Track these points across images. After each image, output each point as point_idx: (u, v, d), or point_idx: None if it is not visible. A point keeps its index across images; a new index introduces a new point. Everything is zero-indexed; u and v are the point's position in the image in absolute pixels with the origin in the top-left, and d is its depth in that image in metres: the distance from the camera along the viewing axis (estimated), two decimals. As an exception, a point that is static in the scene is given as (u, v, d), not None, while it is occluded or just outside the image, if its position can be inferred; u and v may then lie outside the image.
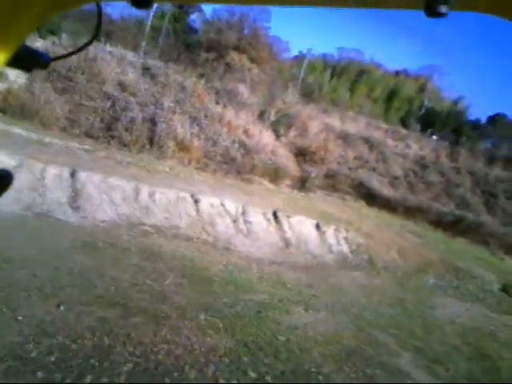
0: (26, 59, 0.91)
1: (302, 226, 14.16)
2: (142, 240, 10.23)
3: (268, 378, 5.29)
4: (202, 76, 22.66)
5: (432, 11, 0.71)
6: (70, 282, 6.75)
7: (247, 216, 13.40)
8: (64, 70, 17.52)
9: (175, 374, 4.96)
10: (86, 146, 15.35)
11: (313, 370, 5.89)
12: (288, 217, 14.58)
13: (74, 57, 18.08)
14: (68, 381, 4.40)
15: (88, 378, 4.48)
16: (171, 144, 17.30)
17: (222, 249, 11.62)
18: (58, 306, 5.85)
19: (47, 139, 14.59)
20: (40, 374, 4.37)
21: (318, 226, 14.31)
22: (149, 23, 28.72)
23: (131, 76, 19.41)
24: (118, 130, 16.54)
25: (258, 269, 10.52)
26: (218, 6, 28.41)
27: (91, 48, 18.89)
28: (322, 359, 6.26)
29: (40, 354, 4.70)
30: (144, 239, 10.37)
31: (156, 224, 11.53)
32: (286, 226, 13.70)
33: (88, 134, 16.20)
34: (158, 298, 7.00)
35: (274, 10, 30.18)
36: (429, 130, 31.84)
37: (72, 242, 8.80)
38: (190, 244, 11.16)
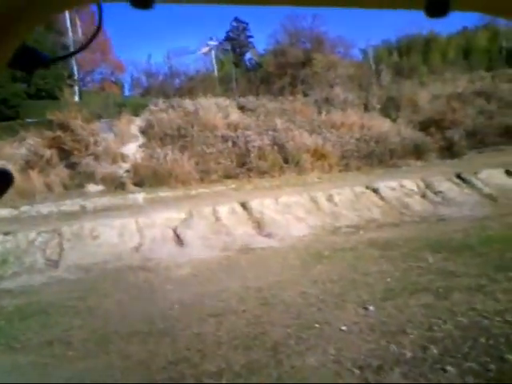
0: (26, 60, 0.86)
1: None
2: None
3: None
4: (293, 95, 21.92)
5: (432, 11, 0.71)
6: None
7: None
8: (174, 130, 17.19)
9: None
10: (232, 186, 14.52)
11: None
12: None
13: (178, 117, 17.80)
14: None
15: None
16: (307, 156, 16.18)
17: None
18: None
19: (193, 192, 13.91)
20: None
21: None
22: (216, 74, 29.07)
23: (235, 115, 18.88)
24: (252, 162, 15.64)
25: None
26: (267, 37, 28.03)
27: (188, 104, 18.62)
28: None
29: None
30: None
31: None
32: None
33: (227, 176, 15.43)
34: None
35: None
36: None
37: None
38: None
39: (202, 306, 5.86)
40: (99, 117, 17.70)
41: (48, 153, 15.78)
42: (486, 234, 8.40)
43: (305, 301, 5.64)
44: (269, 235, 9.99)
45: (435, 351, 4.02)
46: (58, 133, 15.84)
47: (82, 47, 1.12)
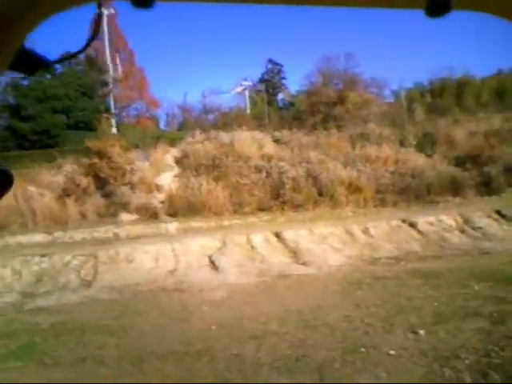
0: (26, 61, 0.84)
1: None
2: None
3: None
4: (327, 130, 21.96)
5: (433, 11, 0.70)
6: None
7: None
8: (209, 160, 17.31)
9: None
10: (265, 218, 14.39)
11: None
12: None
13: (213, 148, 17.97)
14: None
15: None
16: (341, 189, 15.95)
17: None
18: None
19: (225, 222, 13.82)
20: None
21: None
22: (248, 111, 29.53)
23: (269, 147, 18.94)
24: (286, 194, 15.51)
25: None
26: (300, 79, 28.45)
27: (224, 135, 18.84)
28: None
29: None
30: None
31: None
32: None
33: (260, 208, 15.31)
34: None
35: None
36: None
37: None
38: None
39: (240, 327, 5.65)
40: (136, 146, 18.01)
41: (84, 181, 16.03)
42: (533, 265, 7.99)
43: (349, 324, 5.37)
44: (305, 263, 9.75)
45: (496, 377, 3.70)
46: (95, 160, 16.12)
47: (83, 48, 1.01)
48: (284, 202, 15.47)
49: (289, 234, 11.38)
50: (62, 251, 10.53)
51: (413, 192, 16.82)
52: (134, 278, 8.86)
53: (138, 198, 15.61)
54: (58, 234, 13.07)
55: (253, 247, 10.82)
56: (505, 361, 4.07)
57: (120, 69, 31.94)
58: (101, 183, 16.22)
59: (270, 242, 11.10)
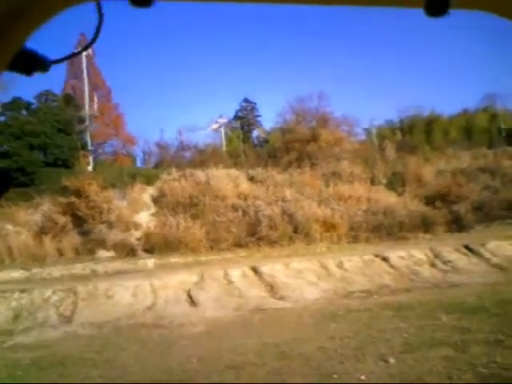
0: (25, 62, 0.85)
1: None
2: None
3: None
4: (301, 168, 22.55)
5: (432, 10, 0.69)
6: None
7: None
8: (186, 199, 17.62)
9: None
10: (242, 254, 14.71)
11: None
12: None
13: (190, 186, 18.33)
14: None
15: None
16: (316, 226, 16.42)
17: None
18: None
19: (202, 258, 14.09)
20: None
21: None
22: (224, 148, 30.15)
23: (244, 185, 19.40)
24: (262, 231, 15.88)
25: None
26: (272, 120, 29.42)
27: (200, 173, 19.25)
28: None
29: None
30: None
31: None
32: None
33: (237, 245, 15.61)
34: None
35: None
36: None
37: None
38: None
39: (219, 358, 5.89)
40: (113, 185, 18.21)
41: (62, 219, 16.10)
42: (499, 297, 8.44)
43: (323, 354, 5.68)
44: (281, 297, 10.04)
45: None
46: (73, 199, 16.25)
47: (83, 49, 1.15)
48: (260, 239, 15.81)
49: (265, 269, 11.68)
50: (40, 287, 10.57)
51: (385, 229, 17.37)
52: (114, 314, 9.00)
53: (116, 235, 15.74)
54: (35, 270, 13.07)
55: (230, 282, 11.07)
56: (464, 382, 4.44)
57: (96, 106, 32.31)
58: (78, 221, 16.31)
59: (247, 277, 11.37)
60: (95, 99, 32.57)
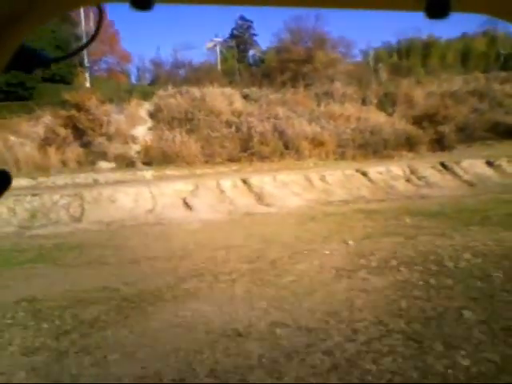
0: (26, 60, 0.87)
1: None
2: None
3: None
4: (294, 87, 22.98)
5: (433, 12, 0.70)
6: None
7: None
8: (182, 115, 18.29)
9: None
10: (234, 168, 15.66)
11: None
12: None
13: (185, 102, 18.97)
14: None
15: None
16: (305, 144, 17.33)
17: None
18: None
19: (197, 171, 15.02)
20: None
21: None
22: (219, 66, 30.32)
23: (238, 103, 19.99)
24: (254, 147, 16.78)
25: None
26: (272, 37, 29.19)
27: (195, 91, 19.82)
28: None
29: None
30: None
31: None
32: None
33: (230, 159, 16.55)
34: None
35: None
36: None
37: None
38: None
39: (212, 244, 7.03)
40: (110, 100, 18.80)
41: (64, 132, 16.89)
42: (459, 206, 9.57)
43: (298, 240, 6.85)
44: (268, 205, 11.17)
45: (394, 262, 5.23)
46: (73, 112, 16.95)
47: (82, 47, 1.24)
48: (252, 154, 16.74)
49: (254, 181, 12.71)
50: (48, 193, 11.60)
51: (371, 147, 18.29)
52: (118, 216, 10.11)
53: (115, 148, 16.63)
54: (41, 179, 14.07)
55: (222, 191, 12.14)
56: (403, 255, 5.60)
57: (92, 23, 31.93)
58: (79, 134, 17.11)
59: (237, 187, 12.42)
60: (91, 16, 32.13)
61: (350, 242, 6.35)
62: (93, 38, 0.98)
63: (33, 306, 4.57)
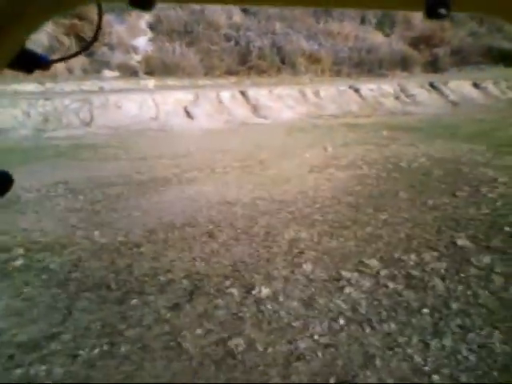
0: (26, 61, 0.87)
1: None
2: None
3: None
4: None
5: (432, 13, 0.69)
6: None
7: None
8: (181, 27, 18.59)
9: None
10: (233, 80, 16.34)
11: None
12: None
13: (185, 14, 19.19)
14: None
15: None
16: (301, 60, 17.87)
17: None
18: None
19: (197, 82, 15.70)
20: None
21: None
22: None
23: (237, 17, 20.17)
24: (253, 61, 17.34)
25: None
26: None
27: (195, 5, 19.92)
28: None
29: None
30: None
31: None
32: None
33: (229, 72, 17.16)
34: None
35: None
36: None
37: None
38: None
39: (212, 147, 8.11)
40: (111, 9, 18.96)
41: (67, 40, 17.32)
42: (438, 123, 10.57)
43: (284, 146, 7.96)
44: (263, 116, 12.13)
45: (360, 162, 6.36)
46: (76, 21, 17.28)
47: (84, 48, 1.21)
48: (250, 68, 17.36)
49: (251, 93, 13.52)
50: (58, 98, 12.44)
51: (366, 66, 18.88)
52: (125, 121, 11.07)
53: (118, 58, 17.18)
54: (49, 85, 14.80)
55: (221, 102, 13.01)
56: (370, 158, 6.69)
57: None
58: (82, 43, 17.52)
59: (235, 99, 13.27)
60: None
61: (329, 149, 7.44)
62: (94, 40, 0.98)
63: (67, 185, 5.72)
